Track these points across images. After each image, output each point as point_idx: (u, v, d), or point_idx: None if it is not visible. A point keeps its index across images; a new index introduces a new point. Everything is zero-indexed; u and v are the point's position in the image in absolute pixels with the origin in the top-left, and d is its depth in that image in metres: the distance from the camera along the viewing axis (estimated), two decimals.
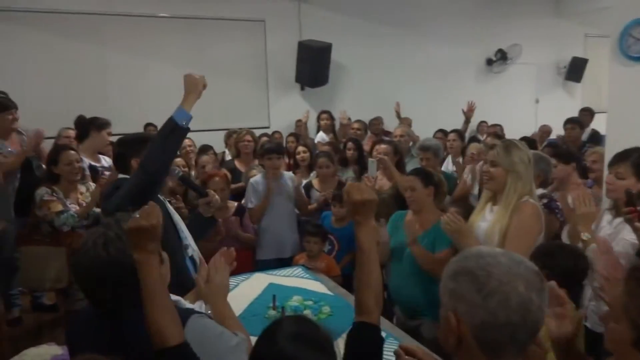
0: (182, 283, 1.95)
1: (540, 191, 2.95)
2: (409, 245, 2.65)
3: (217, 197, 2.70)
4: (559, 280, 1.95)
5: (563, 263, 2.03)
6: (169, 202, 3.04)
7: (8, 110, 3.69)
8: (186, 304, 1.63)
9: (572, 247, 2.23)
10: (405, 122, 6.60)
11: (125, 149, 2.38)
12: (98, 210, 3.25)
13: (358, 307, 1.40)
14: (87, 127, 3.90)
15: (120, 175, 2.39)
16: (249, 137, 4.63)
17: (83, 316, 1.56)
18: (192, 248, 2.37)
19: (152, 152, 2.10)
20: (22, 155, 3.66)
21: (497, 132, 5.67)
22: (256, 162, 4.57)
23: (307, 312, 2.44)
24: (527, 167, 2.32)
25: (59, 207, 3.15)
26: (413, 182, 2.79)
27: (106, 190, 2.41)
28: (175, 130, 2.07)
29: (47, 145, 4.02)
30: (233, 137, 4.88)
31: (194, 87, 2.14)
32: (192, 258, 2.33)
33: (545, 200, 2.94)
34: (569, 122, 5.36)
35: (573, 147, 4.94)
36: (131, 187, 2.12)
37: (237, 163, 4.64)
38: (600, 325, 2.15)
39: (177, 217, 2.40)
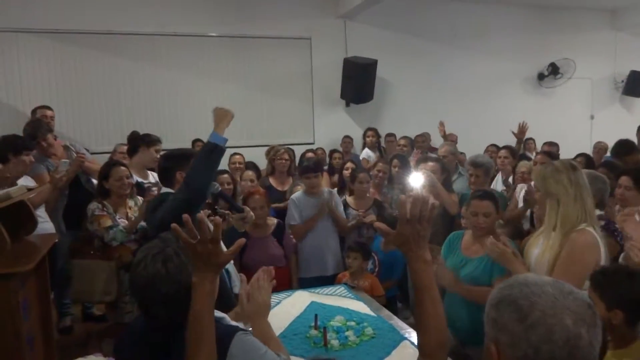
0: (220, 294, 2.00)
1: (596, 212, 2.78)
2: (452, 289, 2.53)
3: (251, 213, 2.75)
4: (623, 310, 1.81)
5: (631, 291, 1.81)
6: (218, 210, 3.20)
7: (35, 138, 3.89)
8: (231, 321, 1.63)
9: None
10: (450, 138, 6.45)
11: (170, 163, 2.53)
12: (145, 224, 3.34)
13: (419, 348, 1.28)
14: (137, 142, 4.02)
15: (164, 189, 2.53)
16: (285, 156, 4.60)
17: (134, 328, 1.59)
18: None
19: (195, 170, 2.22)
20: (70, 175, 3.80)
21: (551, 151, 5.41)
22: (290, 179, 4.56)
23: (349, 333, 2.39)
24: (567, 191, 2.12)
25: (109, 223, 3.24)
26: (490, 209, 2.63)
27: (151, 204, 2.52)
28: (214, 150, 2.20)
29: (102, 160, 4.20)
30: (271, 153, 4.89)
31: (223, 118, 2.26)
32: (226, 269, 2.41)
33: (602, 223, 2.76)
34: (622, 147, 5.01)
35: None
36: (176, 202, 2.22)
37: (271, 180, 4.62)
38: None
39: None
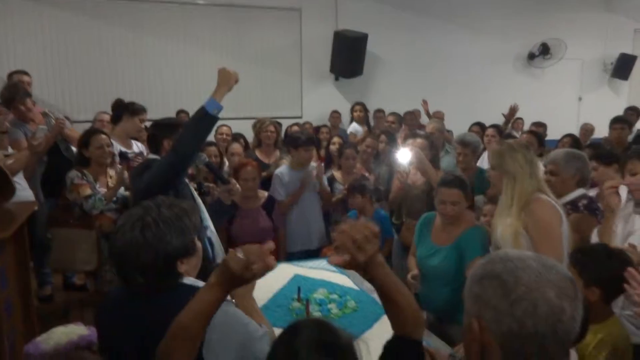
0: (203, 264, 1.99)
1: (580, 191, 2.80)
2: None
3: (237, 185, 2.77)
4: (600, 287, 1.85)
5: (608, 269, 1.84)
6: (203, 185, 3.33)
7: (13, 102, 3.77)
8: None
9: (618, 251, 2.01)
10: (436, 115, 6.43)
11: (159, 131, 2.62)
12: (126, 193, 3.30)
13: (396, 329, 1.24)
14: (121, 111, 3.93)
15: (151, 156, 2.62)
16: (272, 128, 4.55)
17: (114, 296, 1.57)
18: (211, 230, 2.55)
19: (184, 137, 2.28)
20: (49, 140, 3.69)
21: (538, 131, 5.39)
22: (277, 152, 4.52)
23: (331, 306, 2.40)
24: (523, 168, 2.27)
25: (88, 191, 3.18)
26: (459, 197, 2.58)
27: (136, 169, 2.62)
28: (206, 118, 2.23)
29: (83, 129, 4.10)
30: (257, 126, 4.83)
31: (226, 81, 2.29)
32: (209, 240, 2.50)
33: (585, 201, 2.79)
34: (618, 121, 5.02)
35: (618, 149, 4.67)
36: (162, 166, 2.30)
37: (258, 153, 4.58)
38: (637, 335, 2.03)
39: (199, 200, 2.63)
